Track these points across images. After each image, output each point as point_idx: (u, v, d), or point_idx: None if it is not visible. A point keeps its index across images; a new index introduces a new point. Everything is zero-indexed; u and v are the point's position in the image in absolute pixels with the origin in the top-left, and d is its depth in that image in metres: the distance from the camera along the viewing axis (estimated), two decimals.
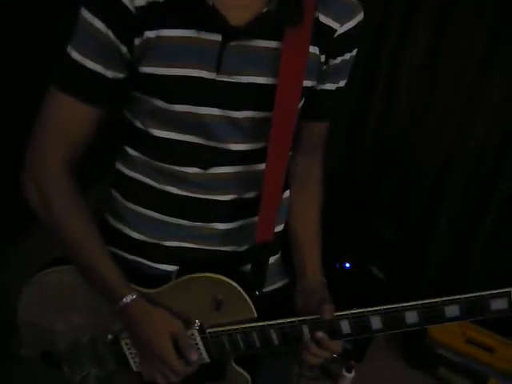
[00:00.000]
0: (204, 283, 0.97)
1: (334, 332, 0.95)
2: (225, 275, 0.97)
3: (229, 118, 0.94)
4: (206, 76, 0.91)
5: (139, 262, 1.04)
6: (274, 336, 0.97)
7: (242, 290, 0.96)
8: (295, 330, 0.95)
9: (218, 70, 0.91)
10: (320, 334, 0.95)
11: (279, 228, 1.11)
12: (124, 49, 0.90)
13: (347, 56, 1.00)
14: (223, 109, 0.93)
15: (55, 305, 1.05)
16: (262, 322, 0.96)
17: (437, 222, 2.22)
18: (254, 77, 0.92)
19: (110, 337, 1.04)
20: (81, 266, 0.98)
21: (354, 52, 1.01)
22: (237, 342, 0.98)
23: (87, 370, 1.07)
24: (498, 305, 0.89)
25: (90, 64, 0.90)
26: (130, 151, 1.02)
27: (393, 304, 0.92)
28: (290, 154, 1.07)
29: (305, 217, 1.12)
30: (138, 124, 0.98)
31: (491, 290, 0.89)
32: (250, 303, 0.97)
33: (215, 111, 0.93)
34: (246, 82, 0.92)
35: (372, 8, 2.03)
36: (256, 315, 0.98)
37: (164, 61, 0.89)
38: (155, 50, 0.89)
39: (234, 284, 0.96)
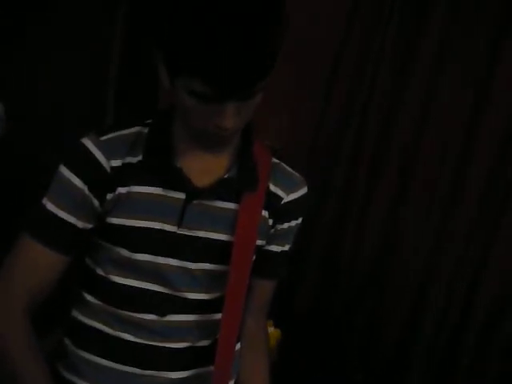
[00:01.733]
0: None
1: None
2: None
3: (185, 268, 1.01)
4: (167, 229, 0.99)
5: None
6: None
7: None
8: None
9: (179, 225, 1.00)
10: None
11: (231, 383, 1.13)
12: (96, 202, 0.98)
13: (293, 223, 1.13)
14: (181, 260, 1.01)
15: None
16: None
17: (409, 368, 2.16)
18: (212, 233, 1.02)
19: None
20: None
21: (299, 220, 1.14)
22: None
23: None
24: None
25: (63, 215, 0.97)
26: (88, 297, 1.05)
27: None
28: None
29: (256, 376, 1.15)
30: (99, 270, 1.03)
31: None
32: None
33: (173, 262, 1.00)
34: (204, 236, 1.01)
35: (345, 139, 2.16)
36: None
37: (131, 213, 0.98)
38: (125, 203, 0.98)
39: None
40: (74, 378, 1.04)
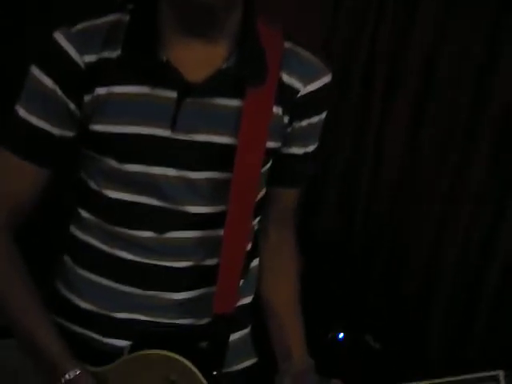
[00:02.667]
0: (155, 361, 0.87)
1: None
2: (179, 352, 0.87)
3: (185, 179, 0.88)
4: (160, 134, 0.85)
5: (88, 337, 0.95)
6: None
7: (196, 371, 0.86)
8: None
9: (173, 128, 0.85)
10: None
11: (246, 300, 1.02)
12: (72, 106, 0.85)
13: (315, 119, 0.95)
14: (179, 169, 0.87)
15: None
16: None
17: (435, 288, 2.09)
18: (213, 136, 0.87)
19: None
20: (20, 337, 0.90)
21: (323, 115, 0.96)
22: None
23: None
24: None
25: (35, 121, 0.85)
26: (84, 213, 0.95)
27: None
28: (260, 225, 1.02)
29: (281, 291, 1.03)
30: (93, 185, 0.92)
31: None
32: None
33: (171, 171, 0.87)
34: (203, 140, 0.87)
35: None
36: None
37: (115, 118, 0.84)
38: (106, 107, 0.84)
39: (188, 363, 0.86)
40: (70, 296, 0.97)
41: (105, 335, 0.94)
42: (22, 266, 0.89)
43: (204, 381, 0.87)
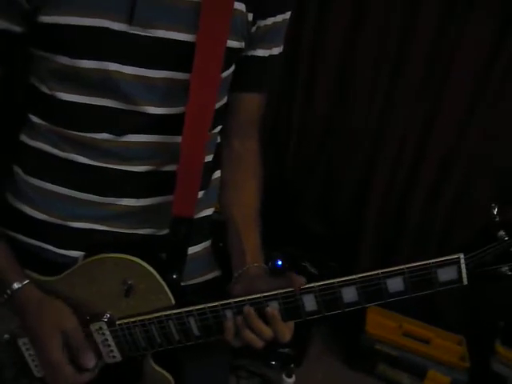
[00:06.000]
0: (110, 266, 0.84)
1: (293, 310, 0.81)
2: (135, 256, 0.84)
3: (143, 77, 0.84)
4: (117, 28, 0.80)
5: (41, 248, 0.91)
6: (193, 325, 0.83)
7: (154, 272, 0.83)
8: (217, 316, 0.82)
9: (130, 22, 0.80)
10: (247, 308, 0.81)
11: (207, 212, 1.00)
12: None
13: (279, 18, 0.92)
14: (136, 66, 0.83)
15: None
16: (179, 309, 0.83)
17: (364, 214, 2.26)
18: (172, 32, 0.83)
19: (5, 336, 0.89)
20: None
21: (287, 15, 0.93)
22: (152, 335, 0.85)
23: None
24: (447, 275, 0.77)
25: None
26: (35, 119, 0.90)
27: None
28: (223, 136, 0.99)
29: (241, 204, 1.00)
30: (44, 89, 0.87)
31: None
32: (166, 287, 0.84)
33: (127, 69, 0.83)
34: (162, 36, 0.83)
35: None
36: (174, 302, 0.85)
37: (67, 8, 0.79)
38: None
39: (145, 264, 0.83)
40: (25, 208, 0.92)
41: (60, 246, 0.90)
42: None
43: (162, 282, 0.84)
